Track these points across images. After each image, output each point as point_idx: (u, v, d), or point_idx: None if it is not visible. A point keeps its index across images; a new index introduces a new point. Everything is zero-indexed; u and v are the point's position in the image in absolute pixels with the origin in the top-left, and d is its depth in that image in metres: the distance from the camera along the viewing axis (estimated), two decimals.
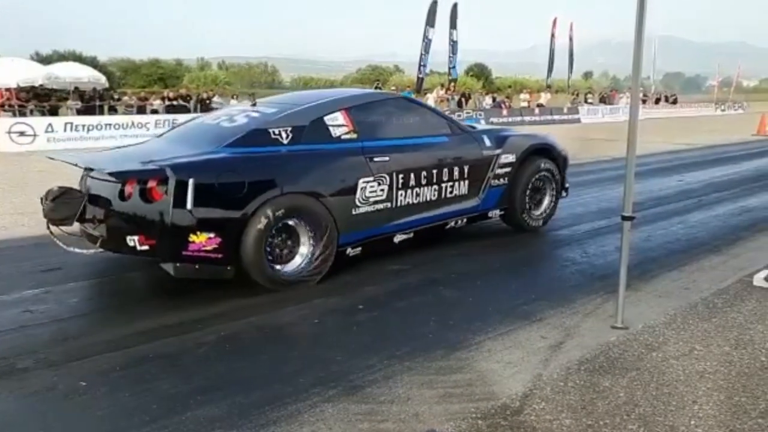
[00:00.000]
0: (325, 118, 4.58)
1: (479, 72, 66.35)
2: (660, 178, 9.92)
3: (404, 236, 4.92)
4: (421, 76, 26.49)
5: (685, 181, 9.72)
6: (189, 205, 3.73)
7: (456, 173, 5.17)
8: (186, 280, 3.98)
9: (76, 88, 20.99)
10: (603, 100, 34.44)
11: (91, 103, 20.33)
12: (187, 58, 71.59)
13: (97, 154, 5.10)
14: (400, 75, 62.32)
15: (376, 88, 27.44)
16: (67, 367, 3.05)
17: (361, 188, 4.52)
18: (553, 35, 31.57)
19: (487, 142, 5.49)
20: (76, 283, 4.41)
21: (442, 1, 25.61)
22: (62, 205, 4.04)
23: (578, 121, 28.09)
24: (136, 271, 4.65)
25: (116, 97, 23.57)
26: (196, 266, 3.89)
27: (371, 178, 4.57)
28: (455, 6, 27.22)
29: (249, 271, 4.04)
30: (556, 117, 27.51)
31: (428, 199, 5.00)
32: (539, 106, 29.02)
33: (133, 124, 17.18)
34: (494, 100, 29.59)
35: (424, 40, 25.45)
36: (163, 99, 22.21)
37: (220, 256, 3.91)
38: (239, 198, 3.92)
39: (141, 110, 20.80)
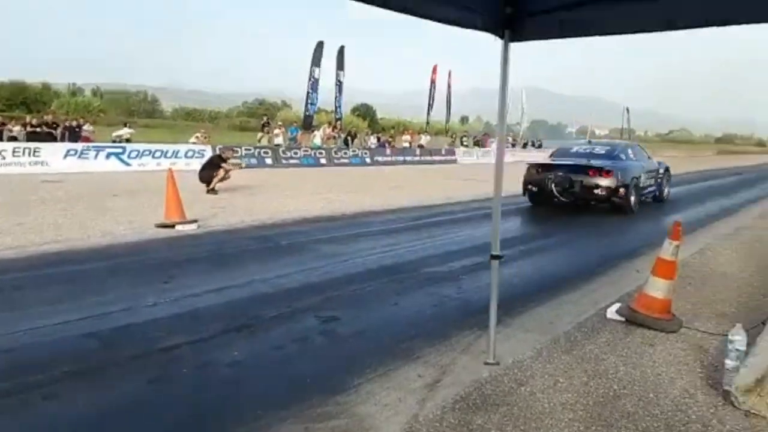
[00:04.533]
0: (631, 150, 12.57)
1: (365, 112, 68.02)
2: (529, 215, 10.66)
3: (645, 197, 12.72)
4: (308, 113, 26.68)
5: (552, 219, 10.51)
6: (620, 180, 10.81)
7: (654, 176, 13.05)
8: None
9: None
10: (477, 144, 36.65)
11: None
12: (57, 82, 66.28)
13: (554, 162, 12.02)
14: (287, 110, 62.08)
15: (263, 124, 27.11)
16: None
17: (643, 179, 12.12)
18: (433, 81, 33.32)
19: (656, 164, 13.56)
20: None
21: (330, 42, 26.24)
22: (563, 181, 11.11)
23: (455, 161, 29.65)
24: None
25: None
26: (623, 204, 11.06)
27: (644, 176, 12.23)
28: (342, 48, 27.95)
29: (629, 206, 11.21)
30: (435, 157, 28.81)
31: (650, 185, 12.79)
32: (420, 146, 30.25)
33: None
34: (379, 140, 30.42)
35: (310, 79, 25.79)
36: (24, 125, 20.27)
37: (627, 199, 11.04)
38: (627, 175, 11.08)
39: None
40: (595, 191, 10.72)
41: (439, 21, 3.22)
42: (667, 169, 14.05)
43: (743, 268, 6.41)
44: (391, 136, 31.98)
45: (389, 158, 26.32)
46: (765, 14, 2.76)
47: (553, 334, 4.19)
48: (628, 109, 66.12)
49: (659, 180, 13.38)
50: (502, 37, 3.38)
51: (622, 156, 11.92)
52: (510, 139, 39.34)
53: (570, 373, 3.50)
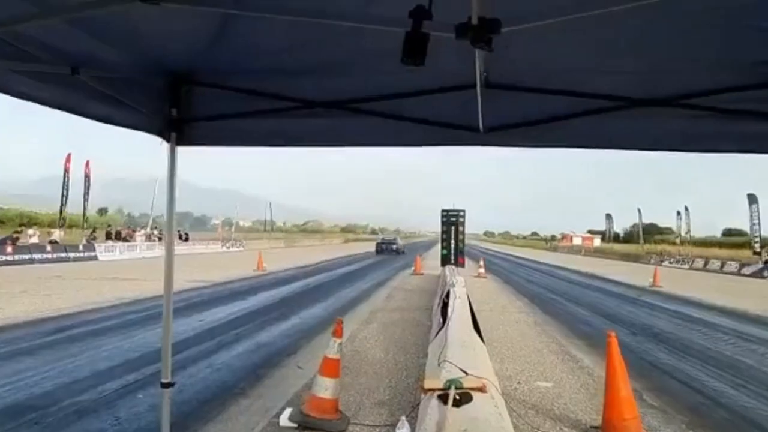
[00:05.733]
0: (398, 238, 57.78)
1: None
2: (182, 318, 9.99)
3: (402, 251, 49.79)
4: None
5: (206, 320, 10.07)
6: (399, 245, 49.18)
7: (402, 245, 51.49)
8: None
9: None
10: (120, 238, 33.88)
11: None
12: None
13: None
14: None
15: None
16: None
17: (401, 246, 53.06)
18: (66, 170, 29.80)
19: (401, 240, 56.51)
20: None
21: None
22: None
23: (95, 258, 26.53)
24: None
25: None
26: (401, 252, 47.06)
27: (401, 245, 52.21)
28: None
29: (402, 252, 48.96)
30: (71, 254, 25.27)
31: (403, 247, 51.74)
32: (52, 242, 26.20)
33: None
34: None
35: None
36: None
37: (402, 252, 47.69)
38: (400, 244, 51.27)
39: None
40: (394, 249, 45.38)
41: (95, 119, 2.82)
42: (402, 244, 49.87)
43: (387, 351, 7.27)
44: (15, 232, 26.85)
45: (11, 257, 21.90)
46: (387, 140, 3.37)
47: None
48: (270, 204, 72.40)
49: (403, 247, 48.79)
50: (168, 140, 3.17)
51: (398, 239, 52.80)
52: (156, 232, 37.52)
53: None
